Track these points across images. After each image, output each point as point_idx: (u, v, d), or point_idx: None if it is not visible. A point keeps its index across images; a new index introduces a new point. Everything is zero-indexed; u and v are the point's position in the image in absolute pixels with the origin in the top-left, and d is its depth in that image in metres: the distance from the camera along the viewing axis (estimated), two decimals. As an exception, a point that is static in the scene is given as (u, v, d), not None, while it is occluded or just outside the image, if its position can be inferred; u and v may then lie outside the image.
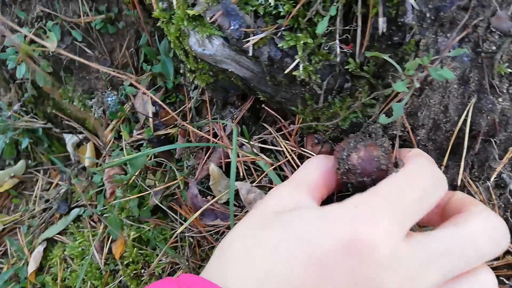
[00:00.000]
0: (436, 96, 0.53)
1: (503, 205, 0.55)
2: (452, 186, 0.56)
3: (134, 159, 0.65)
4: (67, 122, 0.89)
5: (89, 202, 0.86)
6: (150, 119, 0.77)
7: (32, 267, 0.85)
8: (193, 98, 0.74)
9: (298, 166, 0.62)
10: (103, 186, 0.85)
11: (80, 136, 0.90)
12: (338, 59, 0.52)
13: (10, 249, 0.90)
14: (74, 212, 0.89)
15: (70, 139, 0.89)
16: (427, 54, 0.51)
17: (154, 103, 0.80)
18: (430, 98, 0.53)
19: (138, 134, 0.80)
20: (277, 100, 0.60)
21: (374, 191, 0.38)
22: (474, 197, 0.55)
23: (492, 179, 0.54)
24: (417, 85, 0.46)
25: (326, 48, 0.52)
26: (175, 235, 0.66)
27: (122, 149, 0.82)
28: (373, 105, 0.55)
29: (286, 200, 0.42)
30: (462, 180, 0.55)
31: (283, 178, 0.62)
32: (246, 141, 0.63)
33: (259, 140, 0.66)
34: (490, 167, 0.55)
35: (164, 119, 0.79)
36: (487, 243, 0.37)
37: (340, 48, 0.52)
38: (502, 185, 0.55)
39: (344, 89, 0.55)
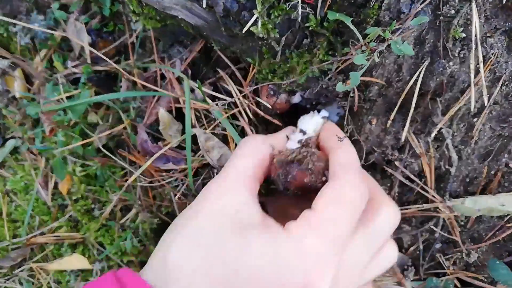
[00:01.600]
0: (392, 56, 0.53)
1: (438, 156, 0.60)
2: (396, 139, 0.60)
3: (74, 106, 0.60)
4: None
5: (26, 136, 0.81)
6: (87, 52, 0.70)
7: (-29, 202, 0.82)
8: (135, 31, 0.67)
9: (253, 115, 0.62)
10: (39, 119, 0.79)
11: (6, 62, 0.80)
12: (299, 15, 0.49)
13: None
14: (10, 144, 0.84)
15: (-6, 67, 0.79)
16: (389, 17, 0.49)
17: (89, 31, 0.72)
18: (386, 59, 0.53)
19: (73, 67, 0.72)
20: (232, 50, 0.56)
21: (320, 222, 0.39)
22: (415, 150, 0.59)
23: (433, 134, 0.58)
24: (377, 59, 0.45)
25: (287, 3, 0.48)
26: (127, 183, 0.66)
27: (56, 84, 0.75)
28: (331, 62, 0.53)
29: (226, 202, 0.41)
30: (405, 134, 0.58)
31: (237, 127, 0.62)
32: (198, 86, 0.60)
33: (211, 84, 0.63)
34: (433, 122, 0.58)
35: (102, 51, 0.71)
36: (388, 234, 0.45)
37: (302, 3, 0.48)
38: (441, 138, 0.59)
39: (302, 45, 0.52)
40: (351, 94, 0.54)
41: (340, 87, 0.48)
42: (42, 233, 0.79)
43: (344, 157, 0.45)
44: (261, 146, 0.47)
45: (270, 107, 0.59)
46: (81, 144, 0.70)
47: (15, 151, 0.85)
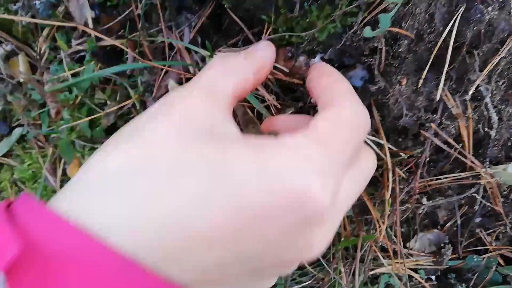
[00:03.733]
0: (423, 4, 0.48)
1: (476, 118, 0.55)
2: (429, 100, 0.54)
3: (79, 82, 0.56)
4: (-12, 29, 0.74)
5: (32, 122, 0.77)
6: (90, 27, 0.66)
7: (-21, 193, 0.79)
8: (140, 1, 0.63)
9: (272, 83, 0.57)
10: (45, 103, 0.75)
11: (8, 47, 0.76)
12: (317, -41, 0.44)
13: (-51, 176, 0.82)
14: (17, 132, 0.80)
15: (-4, 51, 0.76)
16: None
17: (92, 6, 0.68)
18: (416, 7, 0.48)
19: (78, 44, 0.69)
20: (244, 8, 0.51)
21: (323, 137, 0.31)
22: (451, 110, 0.54)
23: (470, 92, 0.52)
24: (412, -5, 0.40)
25: None
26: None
27: (61, 62, 0.72)
28: (355, 14, 0.48)
29: (197, 113, 0.31)
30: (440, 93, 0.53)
31: (255, 98, 0.57)
32: (209, 53, 0.55)
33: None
34: (469, 79, 0.52)
35: (107, 26, 0.67)
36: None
37: None
38: (479, 97, 0.54)
39: (322, -5, 0.48)
40: (379, 46, 0.49)
41: (368, 33, 0.42)
42: (52, 223, 0.75)
43: (340, 85, 0.39)
44: (244, 64, 0.38)
45: (288, 72, 0.54)
46: (89, 122, 0.66)
47: (22, 139, 0.82)
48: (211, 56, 0.54)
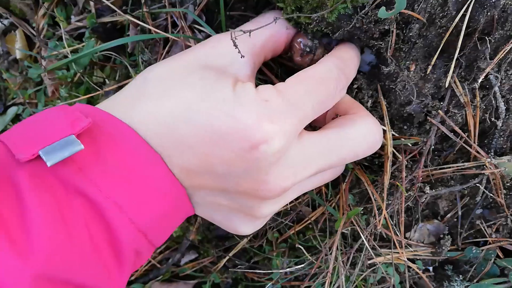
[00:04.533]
0: (437, -14, 0.47)
1: (484, 107, 0.54)
2: (438, 87, 0.53)
3: (78, 58, 0.54)
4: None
5: (27, 101, 0.76)
6: (91, 3, 0.64)
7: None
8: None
9: (276, 64, 0.56)
10: (41, 82, 0.74)
11: (5, 22, 0.74)
12: None
13: None
14: (12, 111, 0.79)
15: (-8, 25, 0.74)
16: None
17: (94, -19, 0.66)
18: (430, -11, 0.47)
19: (77, 21, 0.67)
20: (252, -15, 0.50)
21: (286, 86, 0.39)
22: (459, 98, 0.53)
23: (479, 80, 0.51)
24: (429, -26, 0.39)
25: None
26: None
27: (60, 39, 0.70)
28: (366, -6, 0.47)
29: (221, 54, 0.41)
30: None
31: (260, 80, 0.56)
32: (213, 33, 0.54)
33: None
34: (479, 67, 0.51)
35: (109, 2, 0.66)
36: (364, 147, 0.44)
37: None
38: (487, 86, 0.53)
39: (334, -26, 0.46)
40: (391, 29, 0.48)
41: (383, 13, 0.41)
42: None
43: (334, 51, 0.48)
44: (282, 20, 0.47)
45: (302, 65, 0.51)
46: (86, 101, 0.64)
47: (16, 119, 0.80)
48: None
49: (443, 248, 0.63)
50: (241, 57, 0.39)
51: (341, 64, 0.44)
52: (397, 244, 0.56)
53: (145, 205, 0.35)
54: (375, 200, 0.53)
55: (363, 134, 0.43)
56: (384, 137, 0.55)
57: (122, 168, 0.34)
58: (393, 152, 0.54)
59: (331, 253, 0.56)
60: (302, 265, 0.67)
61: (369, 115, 0.46)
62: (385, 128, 0.53)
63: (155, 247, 0.39)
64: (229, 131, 0.35)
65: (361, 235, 0.55)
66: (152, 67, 0.41)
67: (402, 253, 0.59)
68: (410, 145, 0.55)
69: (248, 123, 0.35)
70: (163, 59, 0.60)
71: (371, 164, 0.58)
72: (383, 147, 0.55)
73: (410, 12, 0.47)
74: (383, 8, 0.42)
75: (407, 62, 0.52)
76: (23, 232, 0.29)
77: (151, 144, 0.36)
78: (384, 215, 0.49)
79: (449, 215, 0.63)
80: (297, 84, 0.40)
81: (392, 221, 0.58)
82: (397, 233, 0.59)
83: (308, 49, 0.50)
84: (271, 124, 0.36)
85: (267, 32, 0.44)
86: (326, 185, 0.61)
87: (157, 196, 0.36)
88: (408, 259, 0.64)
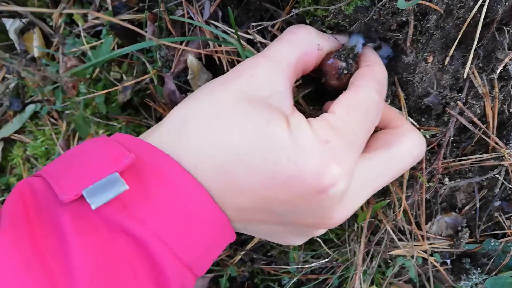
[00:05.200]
0: (455, -24, 0.46)
1: (502, 98, 0.54)
2: (455, 78, 0.53)
3: (97, 49, 0.55)
4: (5, 4, 0.73)
5: (46, 98, 0.77)
6: (108, 1, 0.65)
7: (-9, 169, 0.78)
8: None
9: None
10: (59, 80, 0.75)
11: (24, 20, 0.75)
12: None
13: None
14: (30, 109, 0.80)
15: (11, 25, 0.75)
16: None
17: (111, -21, 0.67)
18: (448, -21, 0.47)
19: (94, 19, 0.68)
20: (270, -21, 0.50)
21: (340, 121, 0.38)
22: (477, 90, 0.53)
23: (498, 71, 0.51)
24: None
25: None
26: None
27: (77, 36, 0.71)
28: (384, -14, 0.47)
29: (260, 85, 0.38)
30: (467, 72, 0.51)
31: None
32: (232, 31, 0.54)
33: (245, 28, 0.57)
34: (497, 58, 0.51)
35: (125, 0, 0.66)
36: (411, 161, 0.43)
37: None
38: (506, 77, 0.53)
39: (352, -34, 0.46)
40: (409, 20, 0.48)
41: (401, 3, 0.41)
42: (65, 199, 0.75)
43: (368, 69, 0.44)
44: (313, 38, 0.44)
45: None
46: (104, 98, 0.65)
47: (35, 116, 0.81)
48: (235, 32, 0.53)
49: (461, 240, 0.63)
50: (280, 91, 0.38)
51: (380, 87, 0.42)
52: (419, 237, 0.56)
53: (192, 241, 0.35)
54: (395, 192, 0.53)
55: (409, 150, 0.43)
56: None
57: (169, 206, 0.33)
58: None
59: (355, 247, 0.56)
60: (324, 260, 0.67)
61: (412, 128, 0.45)
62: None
63: (198, 277, 0.38)
64: (292, 177, 0.34)
65: (382, 227, 0.55)
66: (188, 102, 0.38)
67: (422, 245, 0.59)
68: (429, 137, 0.55)
69: (313, 170, 0.34)
70: (180, 54, 0.60)
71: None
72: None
73: (427, 3, 0.47)
74: (402, -1, 0.42)
75: (425, 54, 0.52)
76: (67, 279, 0.29)
77: (202, 183, 0.35)
78: (404, 206, 0.49)
79: (467, 208, 0.63)
80: (348, 117, 0.38)
81: (412, 213, 0.58)
82: (409, 227, 0.59)
83: (345, 71, 0.46)
84: (337, 168, 0.35)
85: (299, 51, 0.41)
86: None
87: (205, 232, 0.35)
88: (426, 252, 0.64)
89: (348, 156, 0.36)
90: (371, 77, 0.43)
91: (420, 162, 0.53)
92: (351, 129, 0.38)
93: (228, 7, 0.51)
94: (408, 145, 0.42)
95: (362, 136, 0.39)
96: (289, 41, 0.41)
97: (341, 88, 0.45)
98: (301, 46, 0.41)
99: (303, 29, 0.43)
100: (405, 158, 0.42)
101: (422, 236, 0.61)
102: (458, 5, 0.48)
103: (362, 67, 0.45)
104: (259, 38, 0.51)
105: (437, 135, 0.55)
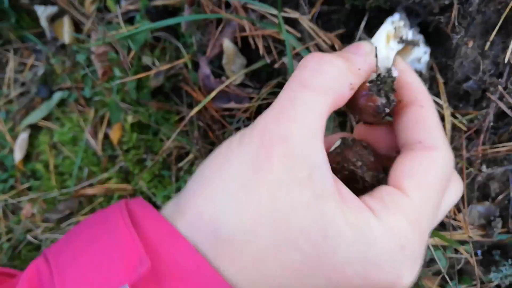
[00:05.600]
0: (501, -41, 0.46)
1: (542, 84, 0.53)
2: (495, 64, 0.53)
3: (135, 34, 0.55)
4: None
5: (74, 85, 0.77)
6: (143, -14, 0.66)
7: (18, 154, 0.79)
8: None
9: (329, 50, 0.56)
10: (88, 66, 0.75)
11: (54, 8, 0.76)
12: None
13: (-10, 137, 0.82)
14: (57, 96, 0.80)
15: (43, 12, 0.75)
16: None
17: (145, -35, 0.67)
18: (493, -39, 0.47)
19: (129, 4, 0.68)
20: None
21: (417, 212, 0.32)
22: (517, 75, 0.52)
23: (539, 56, 0.51)
24: None
25: None
26: (187, 118, 0.61)
27: (108, 23, 0.71)
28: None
29: (297, 164, 0.30)
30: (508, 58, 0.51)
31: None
32: (273, 13, 0.54)
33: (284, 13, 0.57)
34: (538, 43, 0.51)
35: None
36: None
37: None
38: (545, 63, 0.53)
39: None
40: (454, 1, 0.48)
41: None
42: (91, 185, 0.75)
43: (428, 115, 0.36)
44: (344, 78, 0.34)
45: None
46: (136, 84, 0.65)
47: (62, 103, 0.82)
48: (279, 11, 0.53)
49: (494, 230, 0.62)
50: (319, 166, 0.31)
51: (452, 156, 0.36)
52: (465, 226, 0.55)
53: None
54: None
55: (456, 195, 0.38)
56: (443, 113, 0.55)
57: None
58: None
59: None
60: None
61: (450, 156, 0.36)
62: (442, 103, 0.53)
63: None
64: (362, 286, 0.30)
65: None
66: (216, 199, 0.31)
67: (459, 234, 0.59)
68: (466, 123, 0.54)
69: (385, 282, 0.30)
70: (216, 38, 0.61)
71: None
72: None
73: (472, -15, 0.47)
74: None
75: (465, 38, 0.52)
76: None
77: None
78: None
79: (500, 197, 0.62)
80: (426, 202, 0.32)
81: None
82: (448, 214, 0.58)
83: (386, 109, 0.36)
84: (409, 277, 0.31)
85: (331, 99, 0.32)
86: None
87: None
88: (458, 241, 0.64)
89: (421, 258, 0.32)
90: (438, 128, 0.35)
91: (459, 148, 0.53)
92: (427, 217, 0.32)
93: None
94: (453, 194, 0.37)
95: (436, 209, 0.34)
96: (317, 88, 0.32)
97: (379, 123, 0.40)
98: (332, 91, 0.33)
99: (331, 66, 0.33)
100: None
101: (453, 225, 0.60)
102: (502, -11, 0.48)
103: (415, 111, 0.36)
104: (306, 22, 0.51)
105: (475, 121, 0.55)
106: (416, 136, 0.35)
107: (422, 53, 0.51)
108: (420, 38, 0.47)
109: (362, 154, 0.36)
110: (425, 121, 0.35)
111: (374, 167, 0.37)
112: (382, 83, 0.37)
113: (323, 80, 0.32)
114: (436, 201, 0.33)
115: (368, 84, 0.36)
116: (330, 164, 0.32)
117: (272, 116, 0.31)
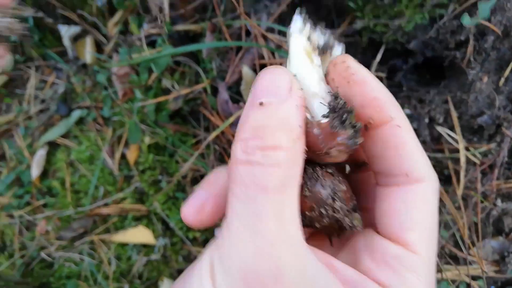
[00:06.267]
0: (517, -1, 0.48)
1: (558, 121, 0.54)
2: (510, 99, 0.53)
3: (158, 58, 0.57)
4: (62, 11, 0.77)
5: (93, 104, 0.79)
6: (166, 11, 0.68)
7: (36, 171, 0.80)
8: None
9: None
10: (109, 86, 0.77)
11: (77, 29, 0.78)
12: None
13: (9, 152, 0.83)
14: (76, 114, 0.82)
15: (66, 31, 0.78)
16: None
17: (168, -8, 0.70)
18: (508, 2, 0.48)
19: (151, 28, 0.70)
20: (331, -5, 0.52)
21: (425, 270, 0.29)
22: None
23: (555, 93, 0.51)
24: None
25: None
26: (205, 142, 0.62)
27: (131, 45, 0.73)
28: (445, 5, 0.49)
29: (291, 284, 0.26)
30: (523, 93, 0.52)
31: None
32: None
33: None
34: (554, 80, 0.51)
35: (181, 12, 0.69)
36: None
37: None
38: (562, 100, 0.53)
39: (415, -15, 0.48)
40: (470, 38, 0.49)
41: (466, 20, 0.43)
42: (106, 204, 0.76)
43: (409, 140, 0.30)
44: (293, 151, 0.27)
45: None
46: (156, 103, 0.67)
47: (80, 122, 0.83)
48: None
49: (508, 266, 0.62)
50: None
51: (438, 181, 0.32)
52: (479, 260, 0.55)
53: None
54: (447, 212, 0.53)
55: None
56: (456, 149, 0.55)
57: None
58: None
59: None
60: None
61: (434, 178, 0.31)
62: (456, 137, 0.53)
63: None
64: None
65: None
66: None
67: (465, 270, 0.58)
68: (480, 157, 0.55)
69: None
70: (236, 65, 0.62)
71: (440, 176, 0.58)
72: (453, 159, 0.56)
73: (487, 23, 0.48)
74: (467, 15, 0.43)
75: (480, 74, 0.52)
76: None
77: None
78: (461, 226, 0.49)
79: (514, 232, 0.62)
80: (433, 251, 0.29)
81: (460, 235, 0.57)
82: (463, 249, 0.58)
83: (357, 141, 0.29)
84: None
85: (296, 183, 0.27)
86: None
87: None
88: (471, 276, 0.63)
89: None
90: (421, 154, 0.30)
91: (474, 182, 0.53)
92: (434, 266, 0.30)
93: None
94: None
95: None
96: (277, 184, 0.26)
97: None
98: (293, 179, 0.26)
99: (275, 153, 0.26)
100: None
101: (466, 259, 0.60)
102: (518, 27, 0.49)
103: (391, 133, 0.30)
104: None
105: (489, 155, 0.55)
106: (400, 166, 0.30)
107: (339, 52, 0.34)
108: (327, 32, 0.33)
109: (334, 185, 0.30)
110: (406, 147, 0.29)
111: (349, 196, 0.31)
112: (340, 111, 0.29)
113: (278, 173, 0.26)
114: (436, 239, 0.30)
115: (324, 121, 0.29)
116: (303, 213, 0.27)
117: (248, 245, 0.25)
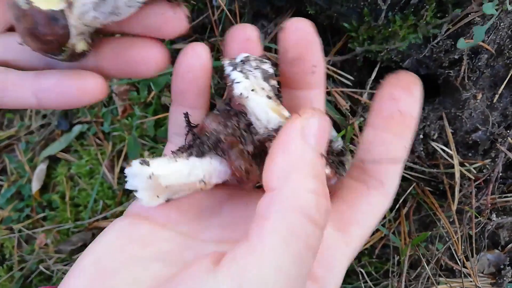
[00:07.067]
0: (508, 20, 0.49)
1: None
2: (504, 116, 0.55)
3: (157, 76, 0.58)
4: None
5: (94, 119, 0.80)
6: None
7: (36, 185, 0.81)
8: (218, 6, 0.66)
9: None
10: (109, 103, 0.78)
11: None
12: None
13: (10, 166, 0.84)
14: (77, 129, 0.83)
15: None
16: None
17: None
18: (501, 22, 0.49)
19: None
20: (328, 15, 0.53)
21: None
22: (526, 128, 0.54)
23: (546, 110, 0.53)
24: (510, 7, 0.41)
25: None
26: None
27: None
28: (438, 25, 0.50)
29: None
30: (516, 110, 0.53)
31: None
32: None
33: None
34: (545, 97, 0.53)
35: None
36: None
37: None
38: (554, 117, 0.54)
39: (409, 5, 0.49)
40: (464, 57, 0.50)
41: (462, 44, 0.44)
42: (105, 218, 0.77)
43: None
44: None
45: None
46: (155, 120, 0.68)
47: (81, 136, 0.84)
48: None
49: (504, 279, 0.62)
50: None
51: None
52: (473, 274, 0.56)
53: None
54: (442, 226, 0.54)
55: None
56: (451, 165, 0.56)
57: None
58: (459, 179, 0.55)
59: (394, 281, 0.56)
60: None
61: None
62: (451, 153, 0.54)
63: None
64: None
65: (424, 263, 0.55)
66: None
67: (466, 282, 0.59)
68: (475, 172, 0.56)
69: None
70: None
71: (435, 190, 0.59)
72: (448, 174, 0.57)
73: (481, 43, 0.49)
74: (462, 39, 0.44)
75: (474, 91, 0.54)
76: None
77: None
78: (456, 241, 0.50)
79: (510, 246, 0.62)
80: None
81: (456, 249, 0.58)
82: (458, 262, 0.59)
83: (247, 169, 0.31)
84: None
85: None
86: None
87: None
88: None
89: None
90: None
91: (469, 197, 0.54)
92: None
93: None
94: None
95: None
96: None
97: None
98: None
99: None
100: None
101: (461, 272, 0.60)
102: (510, 46, 0.50)
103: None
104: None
105: (484, 170, 0.56)
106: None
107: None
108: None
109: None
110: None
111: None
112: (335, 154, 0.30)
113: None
114: None
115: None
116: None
117: None
